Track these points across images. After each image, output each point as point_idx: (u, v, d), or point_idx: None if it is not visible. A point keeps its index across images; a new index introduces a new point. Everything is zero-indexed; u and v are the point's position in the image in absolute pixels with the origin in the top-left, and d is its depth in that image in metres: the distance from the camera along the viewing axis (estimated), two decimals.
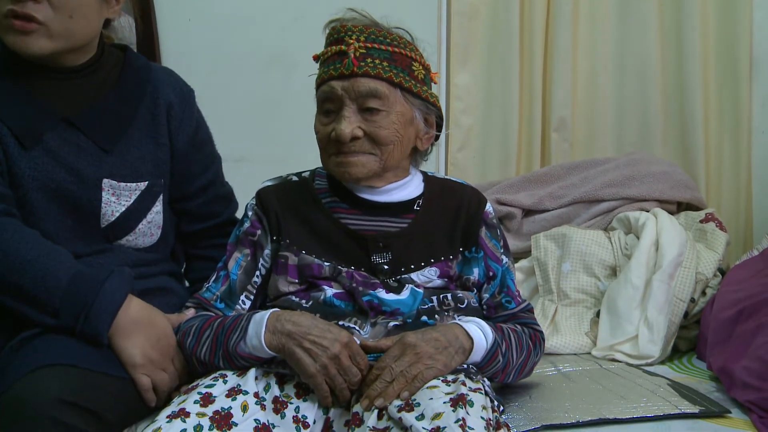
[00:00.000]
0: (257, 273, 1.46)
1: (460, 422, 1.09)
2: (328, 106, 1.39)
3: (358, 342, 1.29)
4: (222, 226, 1.64)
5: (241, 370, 1.29)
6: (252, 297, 1.46)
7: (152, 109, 1.52)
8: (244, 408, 1.19)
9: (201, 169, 1.62)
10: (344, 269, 1.40)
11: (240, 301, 1.45)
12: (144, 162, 1.50)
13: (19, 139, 1.38)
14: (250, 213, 1.48)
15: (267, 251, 1.45)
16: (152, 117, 1.52)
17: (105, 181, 1.44)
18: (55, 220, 1.41)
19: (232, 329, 1.31)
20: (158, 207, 1.53)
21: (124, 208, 1.46)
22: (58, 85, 1.44)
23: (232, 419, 1.16)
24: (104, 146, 1.44)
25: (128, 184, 1.47)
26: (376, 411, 1.18)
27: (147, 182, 1.49)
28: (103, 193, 1.44)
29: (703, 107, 2.51)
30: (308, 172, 1.53)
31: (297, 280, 1.41)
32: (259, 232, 1.46)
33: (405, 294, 1.39)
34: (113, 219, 1.45)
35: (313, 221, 1.44)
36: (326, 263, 1.41)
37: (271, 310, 1.30)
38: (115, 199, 1.45)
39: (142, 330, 1.33)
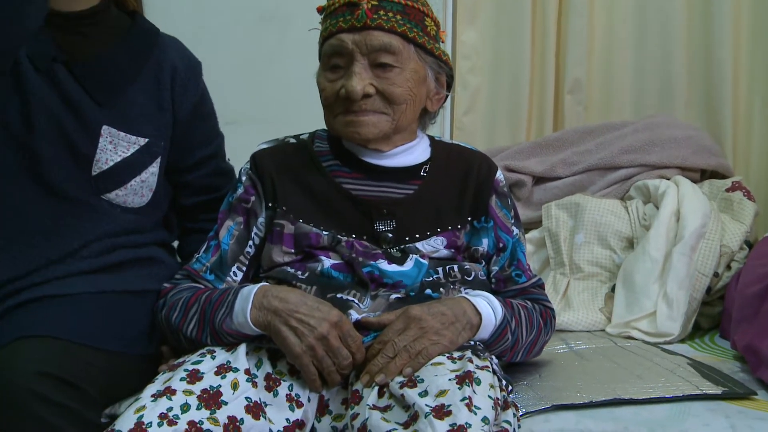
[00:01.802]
0: (250, 243, 1.45)
1: (466, 400, 1.09)
2: (336, 61, 1.37)
3: (358, 318, 1.29)
4: (221, 200, 1.65)
5: (231, 346, 1.29)
6: (244, 268, 1.46)
7: (157, 72, 1.55)
8: (234, 386, 1.19)
9: (203, 141, 1.65)
10: (344, 238, 1.40)
11: (231, 273, 1.45)
12: (145, 121, 1.53)
13: (32, 60, 1.42)
14: (243, 178, 1.47)
15: (261, 219, 1.45)
16: (156, 81, 1.54)
17: (105, 127, 1.47)
18: (51, 154, 1.44)
19: (218, 304, 1.31)
20: (154, 168, 1.55)
21: (119, 159, 1.49)
22: (60, 29, 1.46)
23: (222, 398, 1.16)
24: (98, 99, 1.47)
25: (128, 135, 1.49)
26: (376, 388, 1.18)
27: (147, 140, 1.52)
28: (101, 140, 1.47)
29: (733, 66, 2.47)
30: (307, 135, 1.52)
31: (293, 250, 1.41)
32: (253, 198, 1.45)
33: (408, 265, 1.39)
34: (106, 168, 1.47)
35: (312, 186, 1.43)
36: (325, 232, 1.40)
37: (259, 285, 1.30)
38: (112, 147, 1.47)
39: None
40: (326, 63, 1.39)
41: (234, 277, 1.45)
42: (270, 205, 1.44)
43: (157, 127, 1.55)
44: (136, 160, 1.51)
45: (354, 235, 1.40)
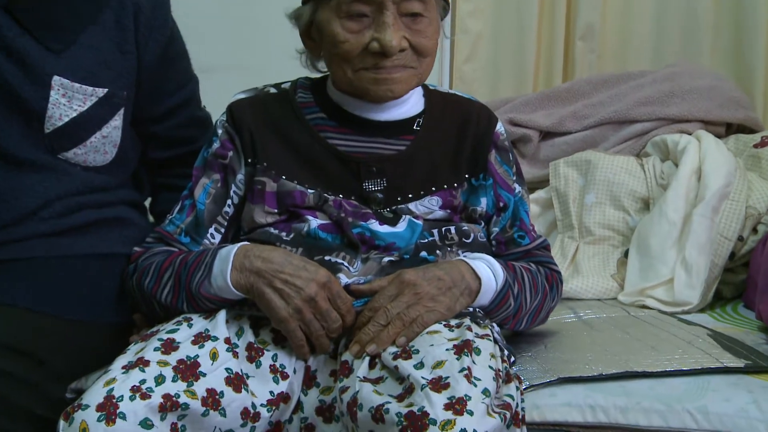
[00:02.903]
0: (229, 202, 1.46)
1: (465, 371, 1.11)
2: (361, 9, 1.34)
3: (348, 283, 1.31)
4: (196, 153, 1.64)
5: (209, 313, 1.31)
6: (223, 229, 1.47)
7: (118, 12, 1.52)
8: (214, 356, 1.21)
9: (174, 86, 1.64)
10: (331, 197, 1.41)
11: (208, 235, 1.46)
12: (105, 68, 1.50)
13: None
14: (219, 131, 1.48)
15: (240, 176, 1.46)
16: (117, 22, 1.52)
17: (56, 78, 1.44)
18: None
19: (195, 266, 1.32)
20: (117, 121, 1.53)
21: (75, 114, 1.47)
22: None
23: (200, 369, 1.18)
24: (48, 45, 1.44)
25: (83, 86, 1.47)
26: (367, 359, 1.20)
27: (107, 90, 1.50)
28: (52, 93, 1.44)
29: (766, 9, 2.47)
30: (288, 84, 1.53)
31: (276, 210, 1.42)
32: (230, 153, 1.46)
33: (401, 226, 1.41)
34: (60, 124, 1.46)
35: (295, 141, 1.44)
36: (310, 190, 1.42)
37: (240, 244, 1.32)
38: (66, 101, 1.45)
39: None
40: (345, 10, 1.35)
41: (211, 240, 1.46)
42: (249, 161, 1.44)
43: (119, 74, 1.52)
44: (95, 114, 1.50)
45: (341, 195, 1.42)
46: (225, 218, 1.47)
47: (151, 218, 1.71)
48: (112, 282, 1.47)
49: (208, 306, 1.32)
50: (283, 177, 1.42)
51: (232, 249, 1.30)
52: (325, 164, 1.43)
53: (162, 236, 1.48)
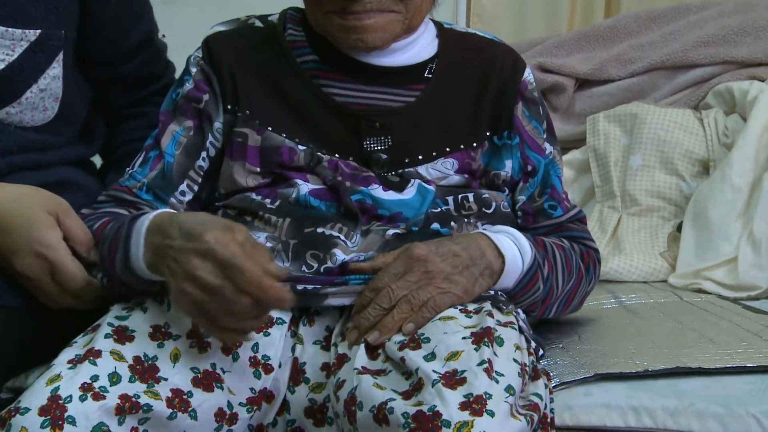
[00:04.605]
0: (203, 154, 1.47)
1: (485, 365, 1.12)
2: None
3: (345, 260, 1.32)
4: (164, 89, 1.63)
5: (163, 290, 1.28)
6: (196, 187, 1.48)
7: None
8: (175, 357, 1.22)
9: (132, 17, 1.63)
10: (326, 157, 1.42)
11: (178, 193, 1.47)
12: (33, 3, 1.48)
13: None
14: (193, 69, 1.48)
15: (218, 124, 1.46)
16: None
17: None
18: None
19: (114, 246, 1.29)
20: (56, 70, 1.53)
21: (3, 65, 1.46)
22: None
23: (159, 373, 1.19)
24: None
25: (8, 29, 1.45)
26: (364, 345, 1.21)
27: (39, 31, 1.48)
28: None
29: None
30: (276, 16, 1.53)
31: (259, 169, 1.43)
32: (206, 96, 1.47)
33: (410, 192, 1.42)
34: None
35: (283, 88, 1.45)
36: (301, 147, 1.42)
37: (157, 212, 1.28)
38: None
39: None
40: None
41: (181, 198, 1.47)
42: (229, 107, 1.45)
43: (54, 8, 1.50)
44: (27, 63, 1.48)
45: (337, 155, 1.43)
46: (198, 173, 1.48)
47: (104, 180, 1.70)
48: None
49: (152, 291, 1.29)
50: (269, 129, 1.43)
51: (145, 221, 1.26)
52: (319, 118, 1.44)
53: (117, 194, 1.47)
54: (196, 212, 1.32)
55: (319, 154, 1.43)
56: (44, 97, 1.53)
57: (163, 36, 1.75)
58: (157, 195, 1.46)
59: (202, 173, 1.48)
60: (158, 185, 1.46)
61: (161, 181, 1.46)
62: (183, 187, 1.47)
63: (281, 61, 1.47)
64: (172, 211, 1.33)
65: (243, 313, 1.15)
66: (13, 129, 1.51)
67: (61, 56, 1.53)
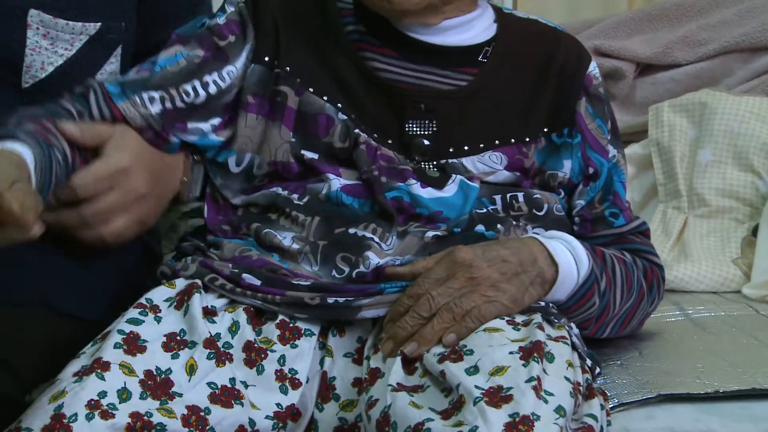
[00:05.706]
0: (197, 84, 1.45)
1: (534, 382, 1.13)
2: None
3: (380, 263, 1.34)
4: None
5: (181, 295, 1.31)
6: (169, 105, 1.45)
7: None
8: (191, 369, 1.23)
9: (183, 9, 1.65)
10: (363, 135, 1.44)
11: (146, 96, 1.44)
12: None
13: None
14: (230, 8, 1.49)
15: (232, 68, 1.46)
16: None
17: (33, 13, 1.45)
18: None
19: None
20: (113, 65, 1.57)
21: (62, 61, 1.49)
22: None
23: (173, 388, 1.20)
24: None
25: (69, 23, 1.48)
26: (401, 359, 1.22)
27: (99, 24, 1.51)
28: (30, 32, 1.46)
29: None
30: None
31: (292, 137, 1.45)
32: (231, 38, 1.47)
33: (451, 189, 1.44)
34: (43, 75, 1.48)
35: (326, 53, 1.48)
36: (342, 115, 1.44)
37: None
38: (49, 44, 1.47)
39: None
40: None
41: (146, 104, 1.44)
42: (267, 59, 1.46)
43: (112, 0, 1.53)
44: (85, 59, 1.51)
45: (376, 134, 1.45)
46: (183, 98, 1.46)
47: None
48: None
49: None
50: (310, 89, 1.46)
51: None
52: (361, 92, 1.46)
53: (86, 87, 1.44)
54: None
55: (357, 131, 1.44)
56: None
57: None
58: (123, 90, 1.44)
59: (186, 101, 1.46)
60: (131, 84, 1.45)
61: (137, 82, 1.45)
62: (155, 94, 1.44)
63: (328, 27, 1.49)
64: None
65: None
66: None
67: (119, 51, 1.57)
